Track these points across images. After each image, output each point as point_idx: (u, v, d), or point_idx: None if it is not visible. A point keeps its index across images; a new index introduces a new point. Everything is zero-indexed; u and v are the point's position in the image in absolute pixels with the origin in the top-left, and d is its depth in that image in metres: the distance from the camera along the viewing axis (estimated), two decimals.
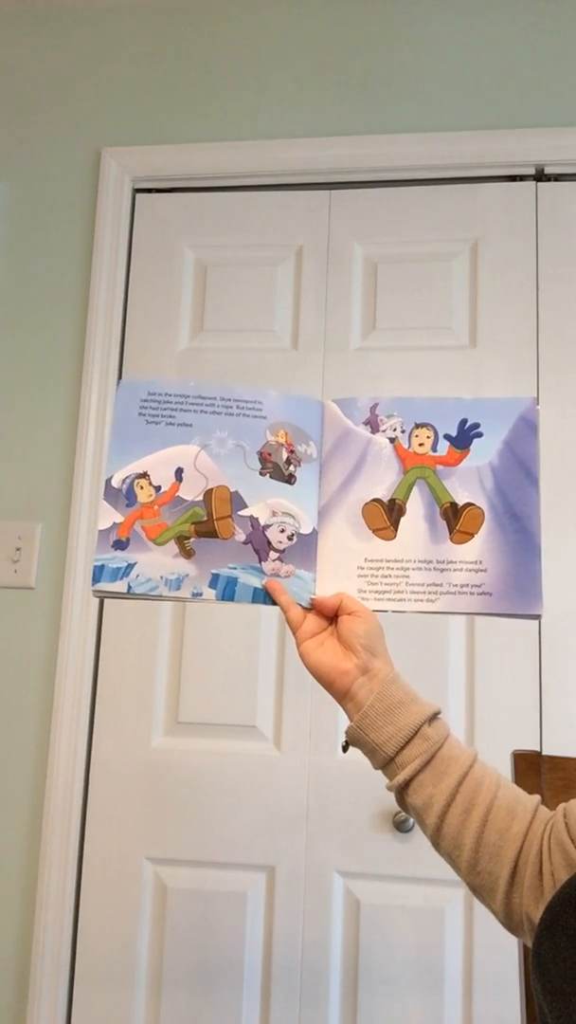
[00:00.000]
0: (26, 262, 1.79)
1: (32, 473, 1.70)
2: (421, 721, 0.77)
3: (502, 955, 1.42)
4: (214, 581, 0.84)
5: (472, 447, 0.86)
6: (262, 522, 0.85)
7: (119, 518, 0.85)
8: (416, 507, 0.85)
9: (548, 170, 1.68)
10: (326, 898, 1.49)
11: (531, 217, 1.67)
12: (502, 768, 0.82)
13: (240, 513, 0.86)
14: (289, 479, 0.87)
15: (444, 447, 0.87)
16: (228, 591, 0.84)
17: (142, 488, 0.86)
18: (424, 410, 0.88)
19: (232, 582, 0.84)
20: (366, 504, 0.86)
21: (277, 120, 1.77)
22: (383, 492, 0.86)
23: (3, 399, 1.75)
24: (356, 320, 1.69)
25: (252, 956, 1.49)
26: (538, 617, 0.82)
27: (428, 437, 0.87)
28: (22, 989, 1.54)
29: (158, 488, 0.86)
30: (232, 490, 0.86)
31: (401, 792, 0.77)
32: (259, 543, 0.85)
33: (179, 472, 0.87)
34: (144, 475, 0.87)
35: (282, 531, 0.85)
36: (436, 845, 0.76)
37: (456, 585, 0.82)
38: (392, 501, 0.86)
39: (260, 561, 0.84)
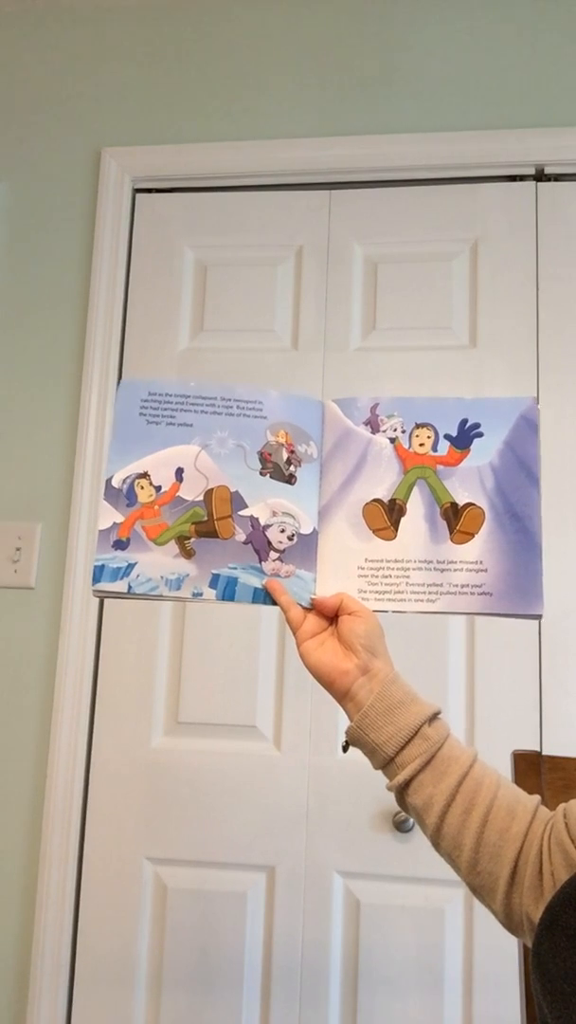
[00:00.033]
0: (26, 262, 1.79)
1: (32, 473, 1.70)
2: (421, 721, 0.77)
3: (502, 955, 1.42)
4: (214, 581, 0.84)
5: (472, 447, 0.86)
6: (262, 522, 0.85)
7: (119, 518, 0.85)
8: (416, 507, 0.85)
9: (548, 170, 1.68)
10: (326, 898, 1.50)
11: (531, 217, 1.67)
12: (502, 768, 0.82)
13: (240, 513, 0.86)
14: (289, 479, 0.87)
15: (444, 447, 0.87)
16: (228, 591, 0.84)
17: (142, 488, 0.86)
18: (424, 410, 0.88)
19: (232, 582, 0.84)
20: (366, 504, 0.86)
21: (277, 120, 1.77)
22: (383, 492, 0.86)
23: (3, 399, 1.75)
24: (356, 320, 1.69)
25: (252, 956, 1.49)
26: (539, 617, 0.82)
27: (428, 437, 0.87)
28: (22, 989, 1.54)
29: (158, 488, 0.86)
30: (232, 490, 0.86)
31: (401, 792, 0.77)
32: (259, 543, 0.85)
33: (179, 472, 0.87)
34: (144, 475, 0.87)
35: (282, 531, 0.85)
36: (436, 845, 0.76)
37: (456, 585, 0.82)
38: (392, 501, 0.86)
39: (260, 561, 0.84)
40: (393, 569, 0.84)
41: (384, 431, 0.88)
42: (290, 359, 1.69)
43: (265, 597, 0.84)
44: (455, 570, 0.83)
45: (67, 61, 1.86)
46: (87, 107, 1.84)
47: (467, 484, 0.85)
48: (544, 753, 1.02)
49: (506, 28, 1.73)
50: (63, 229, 1.79)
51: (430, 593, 0.83)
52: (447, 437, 0.87)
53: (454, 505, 0.85)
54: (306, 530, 0.86)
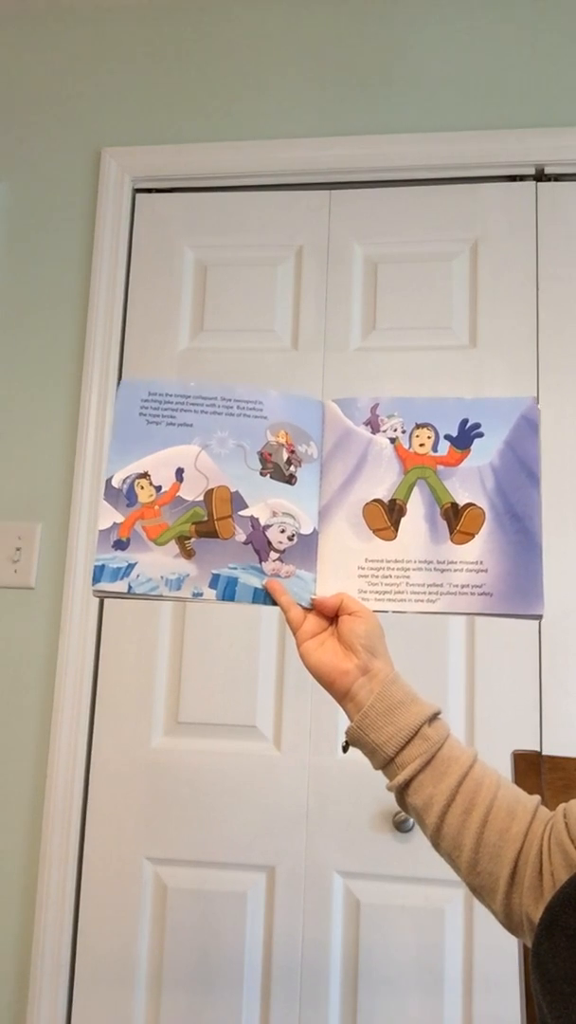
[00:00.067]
0: (26, 262, 1.79)
1: (32, 473, 1.70)
2: (421, 721, 0.77)
3: (502, 955, 1.42)
4: (214, 581, 0.84)
5: (473, 447, 0.86)
6: (262, 522, 0.85)
7: (119, 518, 0.85)
8: (417, 507, 0.85)
9: (548, 170, 1.68)
10: (326, 898, 1.50)
11: (531, 217, 1.67)
12: (502, 768, 0.82)
13: (240, 513, 0.86)
14: (290, 479, 0.87)
15: (445, 447, 0.87)
16: (228, 591, 0.84)
17: (142, 488, 0.86)
18: (425, 410, 0.88)
19: (232, 582, 0.84)
20: (367, 504, 0.86)
21: (277, 120, 1.77)
22: (384, 492, 0.86)
23: (3, 399, 1.75)
24: (356, 320, 1.69)
25: (252, 956, 1.49)
26: (539, 618, 0.82)
27: (429, 437, 0.87)
28: (22, 989, 1.54)
29: (159, 488, 0.86)
30: (233, 490, 0.86)
31: (401, 792, 0.77)
32: (259, 543, 0.85)
33: (180, 472, 0.87)
34: (145, 475, 0.87)
35: (282, 531, 0.85)
36: (436, 845, 0.76)
37: (457, 585, 0.82)
38: (393, 501, 0.86)
39: (260, 561, 0.84)
40: (393, 569, 0.84)
41: (384, 431, 0.88)
42: (290, 359, 1.69)
43: (265, 597, 0.84)
44: (455, 570, 0.83)
45: (67, 61, 1.86)
46: (87, 107, 1.84)
47: (467, 484, 0.85)
48: (544, 753, 1.02)
49: (506, 28, 1.73)
50: (63, 229, 1.79)
51: (430, 593, 0.83)
52: (447, 437, 0.87)
53: (454, 505, 0.85)
54: (306, 530, 0.86)
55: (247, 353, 1.70)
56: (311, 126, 1.76)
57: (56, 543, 1.66)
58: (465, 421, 0.87)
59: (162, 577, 0.83)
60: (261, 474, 0.87)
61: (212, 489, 0.86)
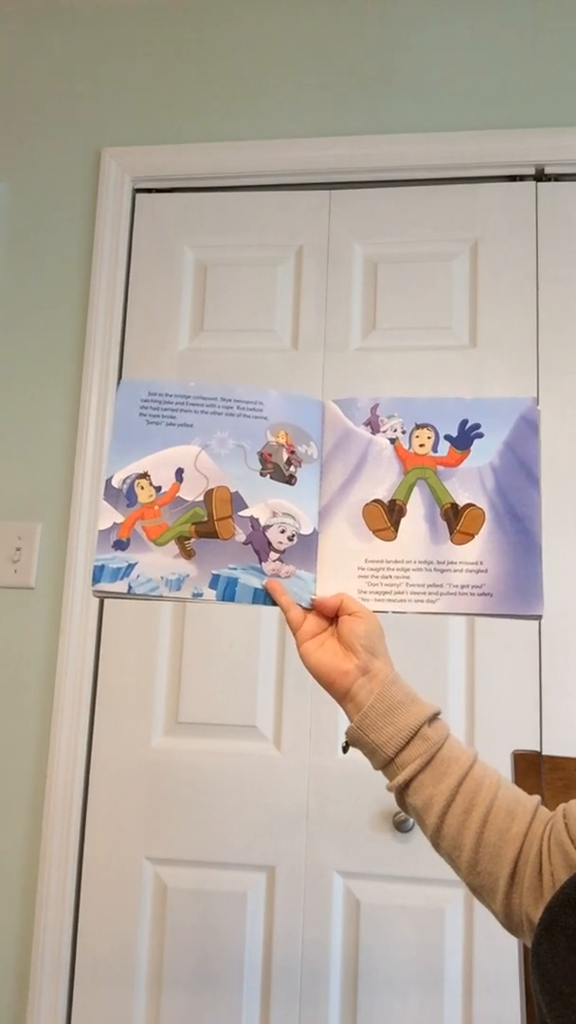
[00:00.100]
0: (26, 262, 1.79)
1: (32, 473, 1.70)
2: (421, 722, 0.77)
3: (502, 955, 1.42)
4: (214, 581, 0.84)
5: (473, 447, 0.86)
6: (262, 523, 0.85)
7: (119, 518, 0.85)
8: (416, 508, 0.85)
9: (548, 170, 1.68)
10: (326, 898, 1.50)
11: (531, 217, 1.67)
12: (502, 768, 0.82)
13: (240, 514, 0.86)
14: (289, 480, 0.87)
15: (445, 448, 0.87)
16: (228, 591, 0.84)
17: (142, 488, 0.86)
18: (424, 410, 0.88)
19: (232, 582, 0.84)
20: (366, 505, 0.86)
21: (277, 120, 1.77)
22: (384, 493, 0.86)
23: (3, 399, 1.75)
24: (356, 320, 1.69)
25: (252, 956, 1.49)
26: (539, 618, 0.82)
27: (429, 438, 0.87)
28: (22, 989, 1.54)
29: (158, 488, 0.86)
30: (232, 491, 0.86)
31: (401, 793, 0.77)
32: (259, 544, 0.85)
33: (179, 472, 0.87)
34: (144, 475, 0.87)
35: (282, 531, 0.85)
36: (436, 846, 0.76)
37: (456, 586, 0.82)
38: (392, 502, 0.86)
39: (260, 562, 0.84)
40: (393, 570, 0.84)
41: (384, 431, 0.88)
42: (290, 359, 1.69)
43: (265, 598, 0.84)
44: (455, 571, 0.83)
45: (67, 61, 1.86)
46: (87, 107, 1.84)
47: (467, 485, 0.85)
48: (544, 753, 1.02)
49: (506, 28, 1.73)
50: (63, 229, 1.79)
51: (430, 594, 0.83)
52: (447, 438, 0.87)
53: (454, 506, 0.85)
54: (306, 531, 0.86)
55: (247, 353, 1.70)
56: (311, 126, 1.76)
57: (56, 543, 1.66)
58: (465, 421, 0.87)
59: (162, 577, 0.84)
60: (261, 474, 0.87)
61: (212, 489, 0.86)
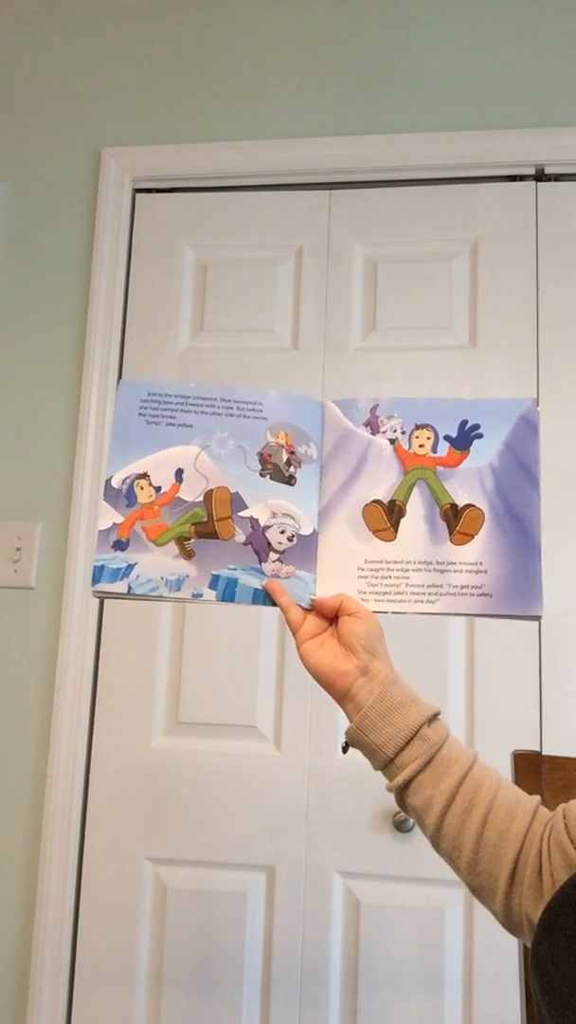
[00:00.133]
0: (26, 262, 1.79)
1: (32, 473, 1.70)
2: (421, 722, 0.77)
3: (502, 955, 1.42)
4: (214, 582, 0.84)
5: (472, 448, 0.86)
6: (262, 523, 0.85)
7: (119, 518, 0.85)
8: (416, 508, 0.85)
9: (548, 170, 1.68)
10: (326, 898, 1.50)
11: (531, 217, 1.67)
12: (502, 768, 0.82)
13: (240, 514, 0.86)
14: (289, 480, 0.87)
15: (444, 448, 0.87)
16: (228, 592, 0.84)
17: (142, 489, 0.86)
18: (424, 411, 0.88)
19: (232, 583, 0.84)
20: (366, 505, 0.86)
21: (277, 120, 1.77)
22: (383, 493, 0.86)
23: (3, 399, 1.75)
24: (356, 320, 1.69)
25: (252, 956, 1.49)
26: (538, 618, 0.82)
27: (428, 438, 0.87)
28: (22, 989, 1.54)
29: (158, 489, 0.86)
30: (232, 491, 0.86)
31: (401, 793, 0.77)
32: (259, 544, 0.85)
33: (179, 473, 0.87)
34: (144, 476, 0.86)
35: (282, 532, 0.85)
36: (436, 846, 0.76)
37: (456, 586, 0.82)
38: (392, 502, 0.86)
39: (260, 562, 0.84)
40: (393, 570, 0.84)
41: (384, 432, 0.88)
42: (290, 359, 1.69)
43: (265, 598, 0.84)
44: (455, 571, 0.83)
45: (67, 61, 1.86)
46: (87, 107, 1.84)
47: (467, 485, 0.85)
48: (544, 753, 1.02)
49: (506, 28, 1.73)
50: (63, 229, 1.79)
51: (430, 594, 0.83)
52: (447, 438, 0.87)
53: (454, 506, 0.85)
54: (306, 531, 0.86)
55: (247, 353, 1.70)
56: (311, 126, 1.76)
57: (56, 543, 1.66)
58: (464, 422, 0.87)
59: (162, 578, 0.84)
60: (261, 475, 0.87)
61: (212, 490, 0.86)
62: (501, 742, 1.46)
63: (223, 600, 0.83)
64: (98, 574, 0.83)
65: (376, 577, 0.84)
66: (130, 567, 0.84)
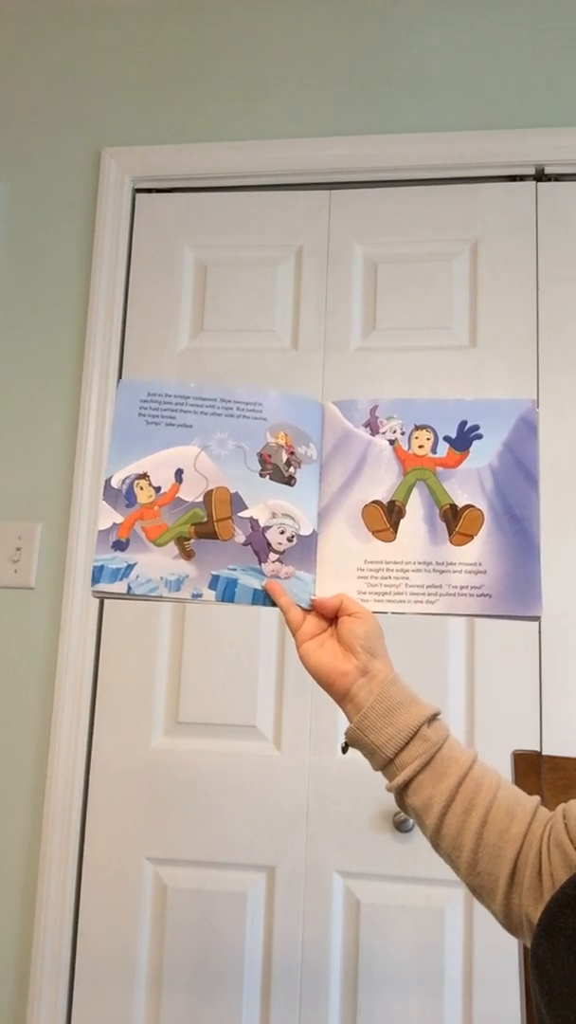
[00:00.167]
0: (26, 262, 1.79)
1: (32, 473, 1.70)
2: (420, 722, 0.77)
3: (502, 955, 1.42)
4: (214, 582, 0.84)
5: (472, 449, 0.86)
6: (262, 523, 0.85)
7: (119, 519, 0.85)
8: (416, 509, 0.85)
9: (548, 170, 1.68)
10: (326, 898, 1.50)
11: (531, 217, 1.67)
12: (502, 768, 0.82)
13: (240, 514, 0.86)
14: (289, 481, 0.87)
15: (444, 449, 0.87)
16: (228, 592, 0.84)
17: (142, 489, 0.86)
18: (424, 412, 0.88)
19: (232, 583, 0.84)
20: (366, 506, 0.86)
21: (277, 120, 1.77)
22: (383, 494, 0.86)
23: (3, 399, 1.75)
24: (356, 320, 1.69)
25: (252, 956, 1.49)
26: (537, 619, 0.82)
27: (428, 439, 0.87)
28: (22, 989, 1.54)
29: (158, 489, 0.86)
30: (232, 491, 0.86)
31: (401, 793, 0.77)
32: (259, 544, 0.85)
33: (179, 473, 0.87)
34: (144, 476, 0.87)
35: (282, 532, 0.85)
36: (436, 846, 0.76)
37: (455, 587, 0.82)
38: (392, 503, 0.86)
39: (260, 562, 0.84)
40: (392, 570, 0.84)
41: (383, 433, 0.88)
42: (290, 359, 1.69)
43: (265, 598, 0.84)
44: (454, 572, 0.83)
45: (67, 61, 1.86)
46: (87, 107, 1.84)
47: (466, 486, 0.85)
48: (544, 753, 1.02)
49: (506, 28, 1.73)
50: (63, 229, 1.79)
51: (429, 594, 0.83)
52: (446, 439, 0.87)
53: (453, 507, 0.85)
54: (306, 531, 0.86)
55: (247, 353, 1.70)
56: (311, 126, 1.76)
57: (56, 543, 1.66)
58: (464, 423, 0.87)
59: (161, 578, 0.84)
60: (261, 475, 0.87)
61: (212, 490, 0.86)
62: (501, 742, 1.46)
63: (223, 600, 0.83)
64: (98, 574, 0.83)
65: (376, 577, 0.84)
66: (130, 567, 0.84)
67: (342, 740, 0.82)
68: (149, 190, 1.80)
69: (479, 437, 0.86)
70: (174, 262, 1.76)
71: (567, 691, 1.50)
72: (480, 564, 0.83)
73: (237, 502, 0.86)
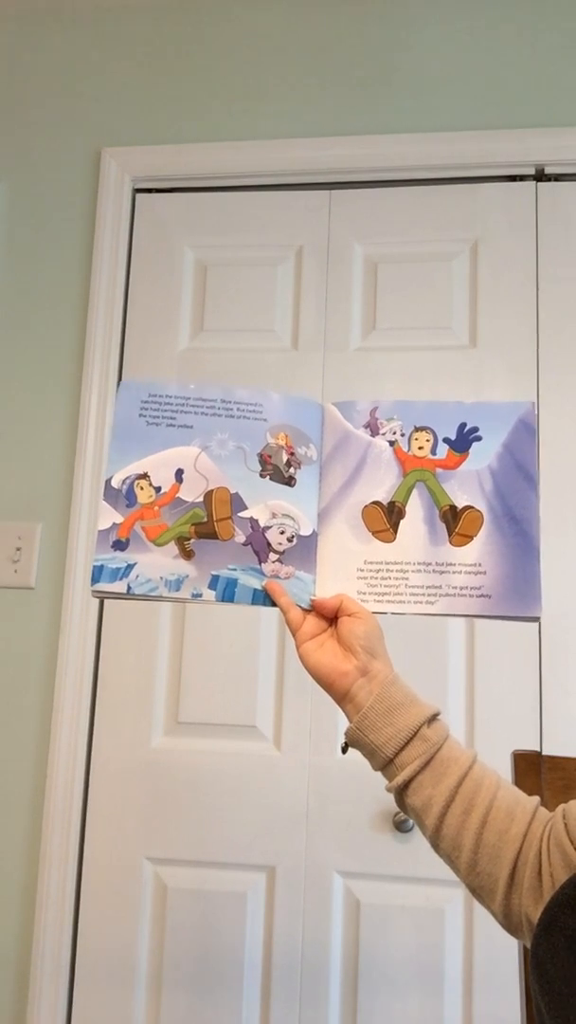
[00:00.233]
0: (26, 262, 1.79)
1: (32, 473, 1.70)
2: (420, 722, 0.77)
3: (502, 955, 1.43)
4: (214, 582, 0.84)
5: (471, 450, 0.86)
6: (262, 524, 0.85)
7: (119, 519, 0.85)
8: (416, 510, 0.85)
9: (548, 170, 1.68)
10: (326, 898, 1.50)
11: (531, 217, 1.67)
12: (502, 768, 0.82)
13: (240, 515, 0.86)
14: (289, 481, 0.87)
15: (443, 450, 0.87)
16: (228, 592, 0.84)
17: (142, 489, 0.86)
18: (423, 413, 0.88)
19: (232, 583, 0.84)
20: (366, 506, 0.86)
21: (277, 120, 1.77)
22: (383, 494, 0.87)
23: (3, 399, 1.75)
24: (356, 320, 1.69)
25: (252, 956, 1.49)
26: (537, 619, 0.82)
27: (427, 440, 0.87)
28: (22, 989, 1.54)
29: (158, 489, 0.86)
30: (232, 492, 0.86)
31: (400, 793, 0.77)
32: (259, 545, 0.85)
33: (179, 473, 0.87)
34: (144, 476, 0.87)
35: (282, 533, 0.85)
36: (435, 846, 0.76)
37: (455, 587, 0.82)
38: (392, 504, 0.86)
39: (260, 563, 0.84)
40: (392, 571, 0.84)
41: (383, 434, 0.88)
42: (290, 359, 1.69)
43: (265, 598, 0.84)
44: (454, 572, 0.83)
45: (67, 61, 1.86)
46: (87, 107, 1.84)
47: (466, 487, 0.85)
48: (544, 753, 1.02)
49: (506, 28, 1.73)
50: (63, 229, 1.79)
51: (429, 595, 0.83)
52: (446, 440, 0.87)
53: (453, 508, 0.85)
54: (306, 532, 0.86)
55: (247, 353, 1.70)
56: (311, 126, 1.76)
57: (56, 543, 1.66)
58: (463, 424, 0.87)
59: (161, 578, 0.84)
60: (261, 476, 0.87)
61: (212, 490, 0.86)
62: (501, 742, 1.46)
63: (223, 600, 0.83)
64: (97, 574, 0.83)
65: (376, 578, 0.84)
66: (130, 567, 0.84)
67: (342, 740, 0.82)
68: (149, 190, 1.80)
69: (478, 439, 0.87)
70: (174, 262, 1.76)
71: (567, 691, 1.50)
72: (480, 565, 0.83)
73: (237, 502, 0.86)
